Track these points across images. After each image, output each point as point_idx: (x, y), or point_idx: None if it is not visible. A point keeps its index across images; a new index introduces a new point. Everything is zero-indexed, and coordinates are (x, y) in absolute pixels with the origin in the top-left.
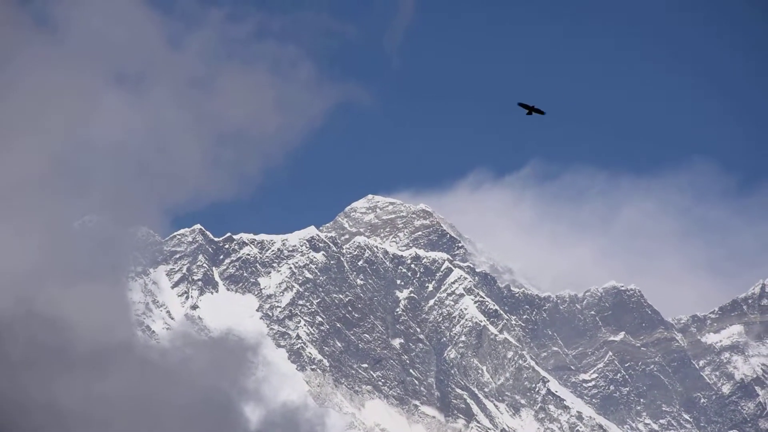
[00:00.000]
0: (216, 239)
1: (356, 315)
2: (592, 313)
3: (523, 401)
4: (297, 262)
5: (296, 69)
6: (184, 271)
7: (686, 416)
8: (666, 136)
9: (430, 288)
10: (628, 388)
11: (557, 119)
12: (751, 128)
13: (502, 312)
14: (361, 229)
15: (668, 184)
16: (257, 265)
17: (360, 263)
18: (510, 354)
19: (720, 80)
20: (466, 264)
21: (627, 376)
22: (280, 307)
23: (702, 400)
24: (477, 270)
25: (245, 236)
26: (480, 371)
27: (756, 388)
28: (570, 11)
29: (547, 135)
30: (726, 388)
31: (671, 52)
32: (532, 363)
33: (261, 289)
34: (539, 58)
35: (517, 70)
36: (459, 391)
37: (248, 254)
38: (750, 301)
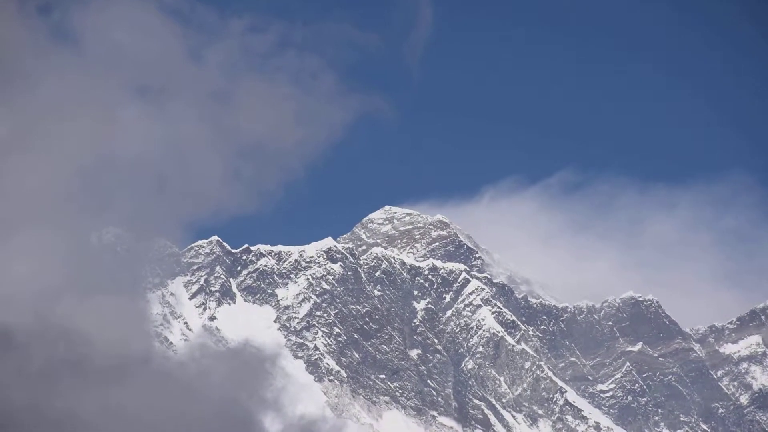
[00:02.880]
0: (233, 250)
1: (374, 326)
2: (610, 323)
3: (540, 412)
4: (314, 273)
5: (318, 81)
6: (202, 282)
7: (704, 426)
8: (705, 147)
9: (448, 299)
10: (645, 399)
11: (590, 128)
12: None
13: (519, 323)
14: (378, 240)
15: (701, 195)
16: (274, 276)
17: (377, 274)
18: (527, 364)
19: (764, 92)
20: (483, 275)
21: (645, 387)
22: (297, 318)
23: (720, 411)
24: (494, 281)
25: (262, 247)
26: (497, 382)
27: None
28: (599, 22)
29: (577, 145)
30: (744, 399)
31: (712, 63)
32: (550, 373)
33: (278, 300)
34: (566, 69)
35: (542, 80)
36: (476, 401)
37: (265, 265)
38: None
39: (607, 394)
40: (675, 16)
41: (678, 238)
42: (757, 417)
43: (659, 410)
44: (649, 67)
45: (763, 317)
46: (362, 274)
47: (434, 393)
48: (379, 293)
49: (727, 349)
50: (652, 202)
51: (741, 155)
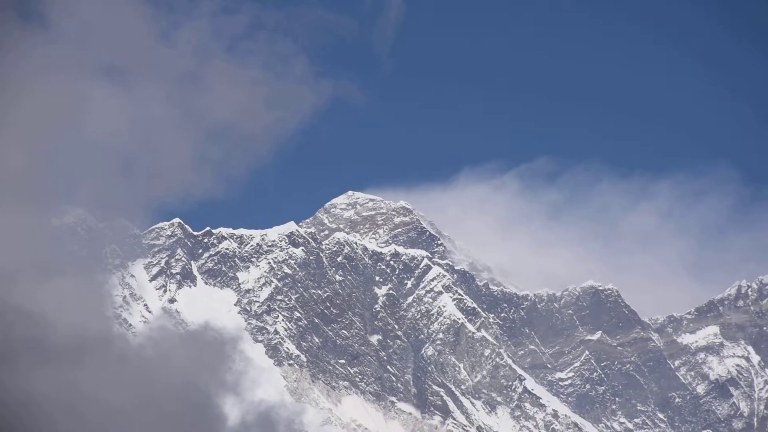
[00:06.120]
0: (195, 233)
1: (334, 311)
2: (570, 312)
3: (499, 399)
4: (276, 258)
5: (289, 65)
6: (162, 264)
7: (661, 416)
8: (693, 138)
9: (409, 285)
10: (603, 387)
11: (567, 114)
12: None
13: (480, 310)
14: (341, 225)
15: (681, 187)
16: (236, 259)
17: (339, 259)
18: (487, 352)
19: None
20: (445, 261)
21: (603, 375)
22: (258, 302)
23: (677, 400)
24: (456, 268)
25: (224, 231)
26: (457, 368)
27: (730, 388)
28: (580, 10)
29: (552, 132)
30: (701, 389)
31: (706, 49)
32: (509, 361)
33: (239, 284)
34: (545, 53)
35: (518, 65)
36: (436, 388)
37: (227, 249)
38: (726, 303)
39: (566, 383)
40: (672, 5)
41: (649, 229)
42: (713, 407)
43: (617, 399)
44: (636, 55)
45: (721, 308)
46: (324, 259)
47: (394, 379)
48: (340, 278)
49: (685, 339)
50: (631, 191)
51: (729, 149)
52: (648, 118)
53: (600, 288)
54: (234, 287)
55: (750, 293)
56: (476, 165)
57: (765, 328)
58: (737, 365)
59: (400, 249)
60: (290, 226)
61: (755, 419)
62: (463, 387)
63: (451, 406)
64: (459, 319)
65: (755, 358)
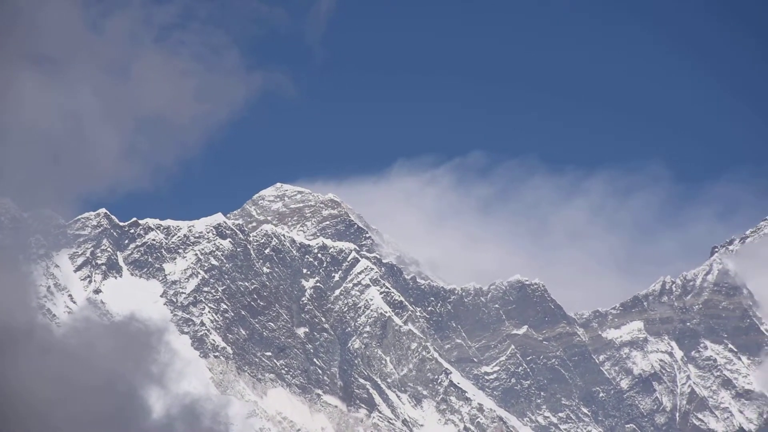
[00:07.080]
0: (121, 224)
1: (261, 303)
2: (496, 306)
3: (425, 392)
4: (203, 249)
5: (220, 56)
6: (88, 254)
7: (585, 410)
8: (627, 136)
9: (336, 278)
10: (529, 381)
11: (502, 108)
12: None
13: (407, 303)
14: (269, 217)
15: (612, 183)
16: (162, 250)
17: (266, 251)
18: (414, 345)
19: (724, 80)
20: (372, 255)
21: (528, 370)
22: (184, 293)
23: (601, 395)
24: (384, 261)
25: (151, 221)
26: (383, 362)
27: (653, 383)
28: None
29: (486, 126)
30: (624, 383)
31: (644, 43)
32: (436, 355)
33: (166, 275)
34: (477, 47)
35: (450, 59)
36: (362, 381)
37: (154, 240)
38: (651, 298)
39: (492, 377)
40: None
41: (580, 224)
42: (636, 401)
43: (542, 393)
44: (570, 50)
45: (645, 303)
46: (251, 251)
47: (320, 371)
48: (267, 270)
49: (610, 334)
50: (563, 187)
51: (661, 147)
52: (582, 114)
53: (526, 282)
54: (160, 278)
55: (674, 289)
56: (410, 158)
57: (688, 324)
58: (660, 360)
59: (328, 241)
60: (218, 218)
61: (677, 414)
62: (389, 380)
63: (377, 399)
64: (386, 312)
65: (678, 354)
